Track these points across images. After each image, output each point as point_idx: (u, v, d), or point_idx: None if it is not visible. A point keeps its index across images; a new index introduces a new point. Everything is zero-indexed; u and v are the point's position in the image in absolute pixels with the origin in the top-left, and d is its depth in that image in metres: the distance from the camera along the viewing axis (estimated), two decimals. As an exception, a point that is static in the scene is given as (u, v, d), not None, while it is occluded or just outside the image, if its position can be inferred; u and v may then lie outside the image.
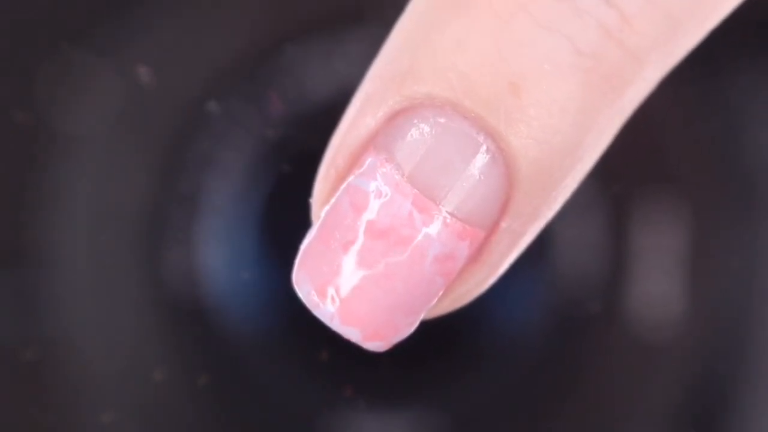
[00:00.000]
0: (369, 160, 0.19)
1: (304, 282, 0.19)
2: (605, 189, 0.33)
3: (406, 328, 0.20)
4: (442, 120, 0.19)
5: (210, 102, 0.33)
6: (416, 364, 0.34)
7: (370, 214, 0.19)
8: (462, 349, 0.34)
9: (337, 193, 0.19)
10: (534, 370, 0.34)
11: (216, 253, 0.34)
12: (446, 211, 0.19)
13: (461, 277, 0.20)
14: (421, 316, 0.20)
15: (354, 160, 0.19)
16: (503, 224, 0.19)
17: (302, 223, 0.21)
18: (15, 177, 0.33)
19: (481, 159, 0.19)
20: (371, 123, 0.19)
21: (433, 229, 0.19)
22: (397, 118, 0.19)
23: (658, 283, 0.33)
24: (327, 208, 0.19)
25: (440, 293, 0.19)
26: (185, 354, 0.34)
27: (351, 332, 0.19)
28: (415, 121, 0.19)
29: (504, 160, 0.19)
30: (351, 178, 0.19)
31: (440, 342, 0.34)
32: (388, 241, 0.19)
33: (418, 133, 0.19)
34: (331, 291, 0.19)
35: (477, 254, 0.19)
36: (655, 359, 0.34)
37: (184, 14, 0.33)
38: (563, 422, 0.34)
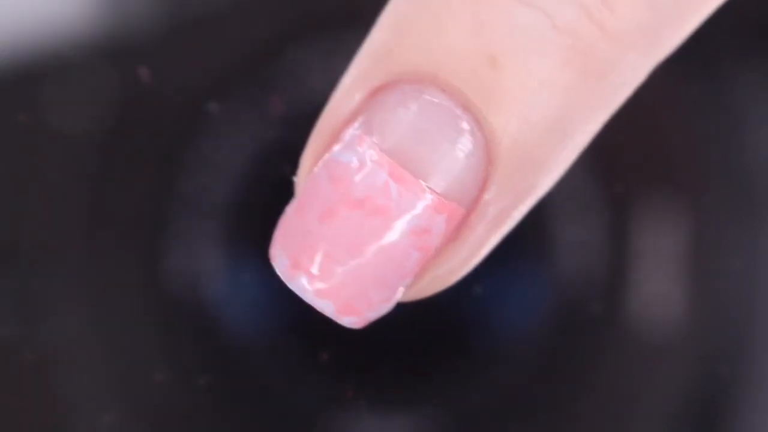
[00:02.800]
0: (348, 133, 0.19)
1: (280, 255, 0.19)
2: (606, 189, 0.33)
3: (381, 304, 0.19)
4: (421, 94, 0.19)
5: (210, 102, 0.33)
6: (417, 365, 0.34)
7: (346, 186, 0.19)
8: (462, 349, 0.34)
9: (317, 167, 0.19)
10: (535, 371, 0.34)
11: (216, 254, 0.34)
12: (424, 184, 0.19)
13: (440, 256, 0.20)
14: (398, 293, 0.19)
15: (336, 136, 0.19)
16: (483, 201, 0.19)
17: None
18: (15, 177, 0.33)
19: (460, 133, 0.19)
20: (355, 98, 0.19)
21: (410, 200, 0.19)
22: (377, 94, 0.19)
23: (659, 283, 0.33)
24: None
25: (416, 269, 0.19)
26: (186, 354, 0.34)
27: (325, 305, 0.19)
28: (395, 95, 0.19)
29: (483, 135, 0.19)
30: (331, 152, 0.19)
31: (441, 343, 0.33)
32: (363, 211, 0.19)
33: (398, 107, 0.19)
34: (305, 263, 0.19)
35: (456, 232, 0.19)
36: (656, 359, 0.33)
37: (184, 14, 0.33)
38: (563, 422, 0.34)
